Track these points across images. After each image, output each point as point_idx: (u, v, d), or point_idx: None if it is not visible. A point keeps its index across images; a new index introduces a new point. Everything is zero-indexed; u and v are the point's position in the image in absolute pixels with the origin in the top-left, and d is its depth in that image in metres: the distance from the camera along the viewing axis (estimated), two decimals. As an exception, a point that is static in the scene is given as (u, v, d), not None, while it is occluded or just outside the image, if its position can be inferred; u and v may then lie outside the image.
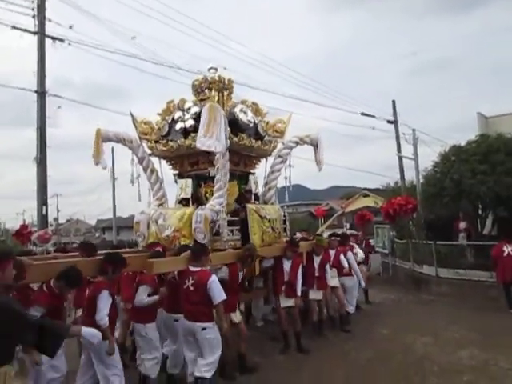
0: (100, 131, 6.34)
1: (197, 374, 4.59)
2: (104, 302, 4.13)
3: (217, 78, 7.02)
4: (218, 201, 6.19)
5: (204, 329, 4.62)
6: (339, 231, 14.33)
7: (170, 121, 7.01)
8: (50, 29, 13.30)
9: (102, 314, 4.07)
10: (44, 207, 13.04)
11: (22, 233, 12.69)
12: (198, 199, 6.70)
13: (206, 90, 7.00)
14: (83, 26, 14.93)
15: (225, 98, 7.01)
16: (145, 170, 7.02)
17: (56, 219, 42.49)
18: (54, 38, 13.25)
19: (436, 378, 5.28)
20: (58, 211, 41.90)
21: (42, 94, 13.01)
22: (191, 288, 4.75)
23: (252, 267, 6.09)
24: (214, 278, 4.74)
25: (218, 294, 4.68)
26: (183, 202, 6.77)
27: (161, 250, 5.48)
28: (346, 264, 7.77)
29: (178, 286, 4.97)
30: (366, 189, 33.31)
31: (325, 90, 53.39)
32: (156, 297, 5.04)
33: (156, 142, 7.01)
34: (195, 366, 4.68)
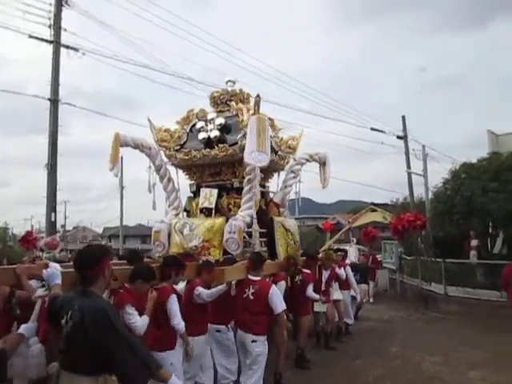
0: (119, 135, 6.25)
1: None
2: (176, 305, 3.96)
3: (238, 91, 7.13)
4: (248, 212, 6.19)
5: (254, 341, 4.60)
6: (347, 246, 14.27)
7: (188, 130, 7.02)
8: (64, 38, 13.52)
9: (178, 319, 3.93)
10: (53, 214, 13.10)
11: (28, 239, 12.72)
12: (218, 210, 6.65)
13: (229, 102, 7.08)
14: (97, 36, 15.15)
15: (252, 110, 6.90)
16: (162, 178, 6.95)
17: (63, 226, 42.66)
18: (68, 47, 13.44)
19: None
20: (65, 218, 42.08)
21: (54, 101, 13.15)
22: (251, 297, 4.71)
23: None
24: (274, 288, 4.77)
25: (280, 304, 4.69)
26: (205, 212, 6.63)
27: (198, 259, 5.27)
28: (344, 277, 7.98)
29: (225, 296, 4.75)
30: (373, 204, 33.28)
31: (335, 104, 53.46)
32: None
33: (176, 150, 6.92)
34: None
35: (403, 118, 21.25)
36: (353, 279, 8.49)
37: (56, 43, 13.26)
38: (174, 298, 3.96)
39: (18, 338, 2.79)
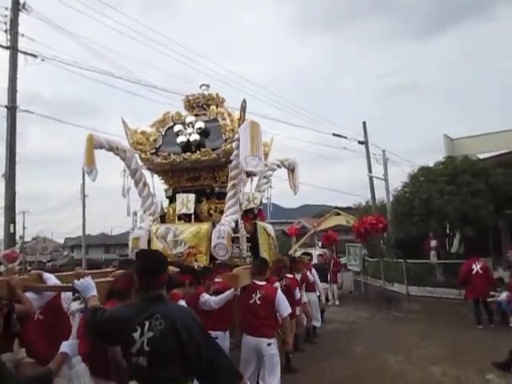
0: (92, 137, 5.96)
1: None
2: None
3: (214, 95, 7.06)
4: (233, 217, 6.08)
5: (269, 344, 4.60)
6: (311, 250, 14.51)
7: (163, 133, 6.84)
8: (23, 44, 13.13)
9: None
10: (12, 225, 12.65)
11: (-14, 253, 12.22)
12: (197, 216, 6.51)
13: (205, 106, 7.01)
14: (59, 42, 14.82)
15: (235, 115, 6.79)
16: (137, 182, 6.66)
17: (22, 237, 41.14)
18: (26, 54, 13.07)
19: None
20: (24, 229, 40.59)
21: (12, 109, 12.74)
22: (258, 302, 4.69)
23: None
24: (280, 292, 4.76)
25: (286, 308, 4.69)
26: (184, 218, 6.47)
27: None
28: (312, 280, 8.20)
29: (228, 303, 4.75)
30: (337, 207, 33.79)
31: (300, 111, 54.35)
32: None
33: (152, 153, 6.68)
34: None
35: (364, 123, 21.80)
36: (318, 281, 8.71)
37: (13, 49, 12.87)
38: (182, 303, 3.90)
39: (62, 358, 2.53)
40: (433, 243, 12.27)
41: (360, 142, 21.17)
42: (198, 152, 6.46)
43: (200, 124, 6.67)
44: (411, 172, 13.36)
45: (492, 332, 8.21)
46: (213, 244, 5.86)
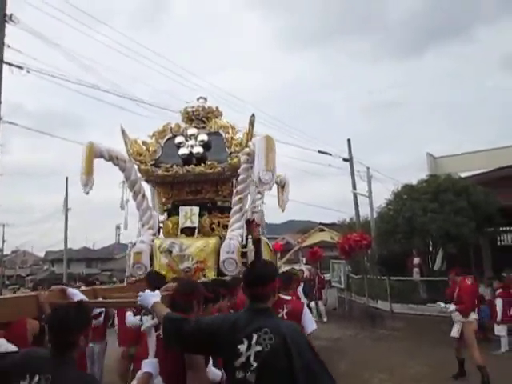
0: (93, 145, 5.67)
1: None
2: None
3: (214, 108, 7.03)
4: (239, 232, 5.96)
5: None
6: (296, 266, 14.50)
7: (162, 144, 6.73)
8: (7, 55, 13.05)
9: None
10: (-9, 238, 12.39)
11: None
12: (198, 230, 6.34)
13: (205, 119, 6.95)
14: (46, 55, 14.75)
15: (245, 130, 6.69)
16: (136, 194, 6.38)
17: (1, 250, 40.32)
18: (11, 65, 12.99)
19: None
20: (3, 242, 39.85)
21: (-5, 120, 12.59)
22: (285, 317, 4.65)
23: None
24: (306, 307, 4.71)
25: (311, 324, 4.62)
26: (187, 232, 6.28)
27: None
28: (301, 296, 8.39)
29: None
30: (321, 223, 33.96)
31: (285, 128, 54.71)
32: None
33: (152, 165, 6.46)
34: None
35: (348, 141, 22.08)
36: (303, 297, 8.72)
37: (-1, 60, 12.76)
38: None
39: (146, 378, 2.44)
40: (416, 260, 12.39)
41: (345, 160, 21.39)
42: (202, 165, 6.33)
43: (203, 137, 6.55)
44: (395, 190, 13.50)
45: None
46: (222, 259, 5.70)
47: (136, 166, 6.47)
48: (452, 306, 6.83)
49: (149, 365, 2.46)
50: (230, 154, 6.39)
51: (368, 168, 18.94)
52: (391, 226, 12.25)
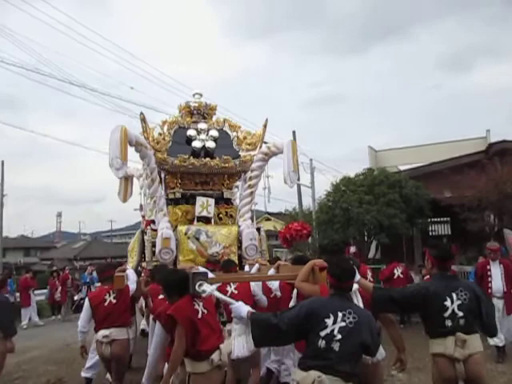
0: (126, 130, 5.48)
1: None
2: None
3: (214, 105, 7.36)
4: (250, 222, 6.68)
5: None
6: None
7: (172, 134, 6.85)
8: None
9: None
10: None
11: None
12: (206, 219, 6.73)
13: (206, 116, 7.23)
14: (-25, 33, 13.89)
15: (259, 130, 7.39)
16: (153, 181, 6.39)
17: None
18: None
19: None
20: None
21: None
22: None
23: None
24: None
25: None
26: (202, 220, 6.58)
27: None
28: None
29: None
30: (268, 213, 34.52)
31: (234, 118, 54.55)
32: None
33: (169, 154, 6.55)
34: None
35: (293, 132, 22.50)
36: None
37: None
38: None
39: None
40: (352, 249, 12.95)
41: (290, 151, 21.76)
42: (217, 159, 6.73)
43: (214, 132, 6.94)
44: (334, 182, 14.05)
45: (405, 331, 8.80)
46: (245, 245, 6.33)
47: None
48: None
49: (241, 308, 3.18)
50: (238, 151, 7.01)
51: (311, 160, 19.48)
52: (329, 216, 12.77)
